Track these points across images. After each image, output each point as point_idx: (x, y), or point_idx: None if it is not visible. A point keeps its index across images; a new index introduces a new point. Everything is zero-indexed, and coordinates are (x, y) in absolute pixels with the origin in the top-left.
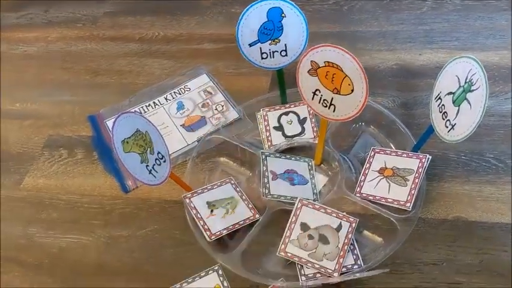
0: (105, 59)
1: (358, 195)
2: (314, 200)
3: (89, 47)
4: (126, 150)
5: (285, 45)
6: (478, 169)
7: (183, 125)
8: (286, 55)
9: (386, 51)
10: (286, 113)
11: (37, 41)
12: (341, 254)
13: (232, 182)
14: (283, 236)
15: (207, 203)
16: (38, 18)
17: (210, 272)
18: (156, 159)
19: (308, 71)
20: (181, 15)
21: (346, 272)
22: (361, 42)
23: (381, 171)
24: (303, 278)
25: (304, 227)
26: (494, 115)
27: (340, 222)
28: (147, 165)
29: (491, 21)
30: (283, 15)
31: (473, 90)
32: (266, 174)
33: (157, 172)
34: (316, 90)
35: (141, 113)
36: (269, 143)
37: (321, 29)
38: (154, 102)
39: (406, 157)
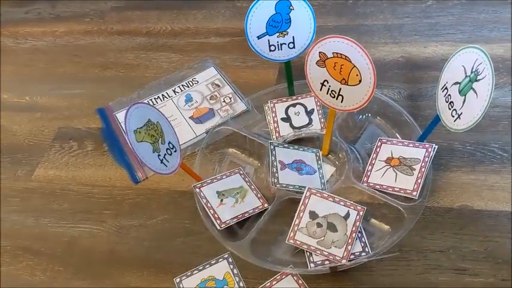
0: (113, 53)
1: (365, 184)
2: (322, 189)
3: (97, 41)
4: (139, 139)
5: (293, 37)
6: (483, 159)
7: (191, 117)
8: (294, 47)
9: (391, 44)
10: (294, 105)
11: (45, 36)
12: (349, 241)
13: (241, 172)
14: (292, 224)
15: (217, 192)
16: (46, 13)
17: (220, 260)
18: (167, 149)
19: (316, 62)
20: (187, 9)
21: (354, 259)
22: (367, 35)
23: (388, 160)
24: (312, 265)
25: (313, 215)
26: (499, 106)
27: (348, 211)
28: (158, 155)
29: (496, 14)
30: (291, 7)
31: (479, 80)
32: (275, 164)
33: (168, 162)
34: (325, 81)
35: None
36: (277, 134)
37: (326, 23)
38: (162, 95)
39: (413, 147)
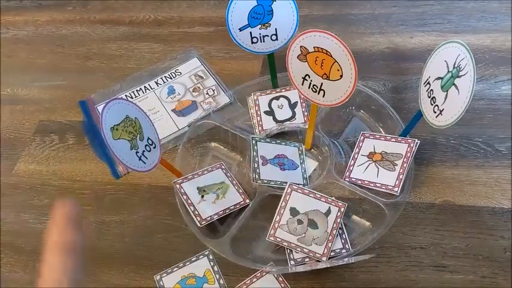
0: (95, 43)
1: (347, 179)
2: (304, 185)
3: (80, 31)
4: (116, 137)
5: (276, 29)
6: (467, 153)
7: (174, 110)
8: (276, 39)
9: (378, 35)
10: (277, 98)
11: (26, 25)
12: (330, 238)
13: (223, 167)
14: (273, 221)
15: (198, 188)
16: (27, 1)
17: (201, 257)
18: (146, 145)
19: (298, 56)
20: None
21: (334, 256)
22: (353, 25)
23: (370, 155)
24: (292, 262)
25: (294, 212)
26: (484, 99)
27: (329, 207)
28: (136, 152)
29: (483, 4)
30: None
31: (461, 76)
32: (256, 159)
33: (147, 158)
34: (306, 75)
35: (131, 97)
36: (260, 128)
37: (312, 12)
38: (145, 87)
39: (395, 141)
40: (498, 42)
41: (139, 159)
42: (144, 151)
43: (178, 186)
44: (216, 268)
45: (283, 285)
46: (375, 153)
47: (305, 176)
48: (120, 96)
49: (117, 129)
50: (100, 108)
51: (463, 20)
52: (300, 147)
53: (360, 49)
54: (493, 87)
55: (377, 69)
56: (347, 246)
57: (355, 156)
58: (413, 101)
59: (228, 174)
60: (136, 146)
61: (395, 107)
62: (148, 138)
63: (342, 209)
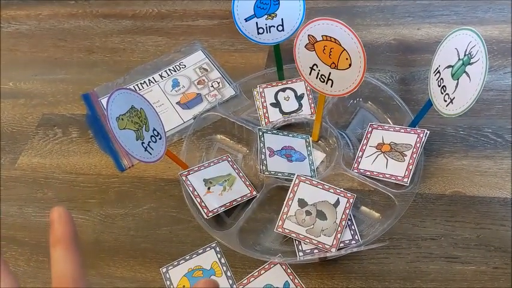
0: (98, 37)
1: (355, 171)
2: (312, 177)
3: (82, 25)
4: (121, 127)
5: (282, 19)
6: (476, 144)
7: (178, 103)
8: (283, 30)
9: (384, 26)
10: (283, 90)
11: (29, 19)
12: (338, 229)
13: (229, 159)
14: (281, 212)
15: (204, 180)
16: None
17: (208, 249)
18: (151, 136)
19: (305, 46)
20: None
21: (343, 248)
22: (359, 17)
23: (379, 146)
24: (301, 253)
25: (302, 203)
26: (493, 90)
27: (338, 198)
28: (142, 142)
29: None
30: None
31: (472, 63)
32: (263, 150)
33: (153, 149)
34: (314, 65)
35: (135, 90)
36: (266, 120)
37: (318, 4)
38: (149, 80)
39: (404, 132)
40: (506, 33)
41: (145, 149)
42: (150, 142)
43: (184, 178)
44: (223, 260)
45: (291, 277)
46: (384, 144)
47: (313, 167)
48: None
49: (122, 119)
50: (103, 101)
51: (470, 12)
52: (307, 139)
53: (366, 41)
54: (502, 78)
55: (384, 61)
56: (356, 237)
57: (364, 148)
58: (421, 92)
59: (235, 166)
60: (142, 137)
61: (403, 99)
62: (154, 129)
63: (351, 200)
